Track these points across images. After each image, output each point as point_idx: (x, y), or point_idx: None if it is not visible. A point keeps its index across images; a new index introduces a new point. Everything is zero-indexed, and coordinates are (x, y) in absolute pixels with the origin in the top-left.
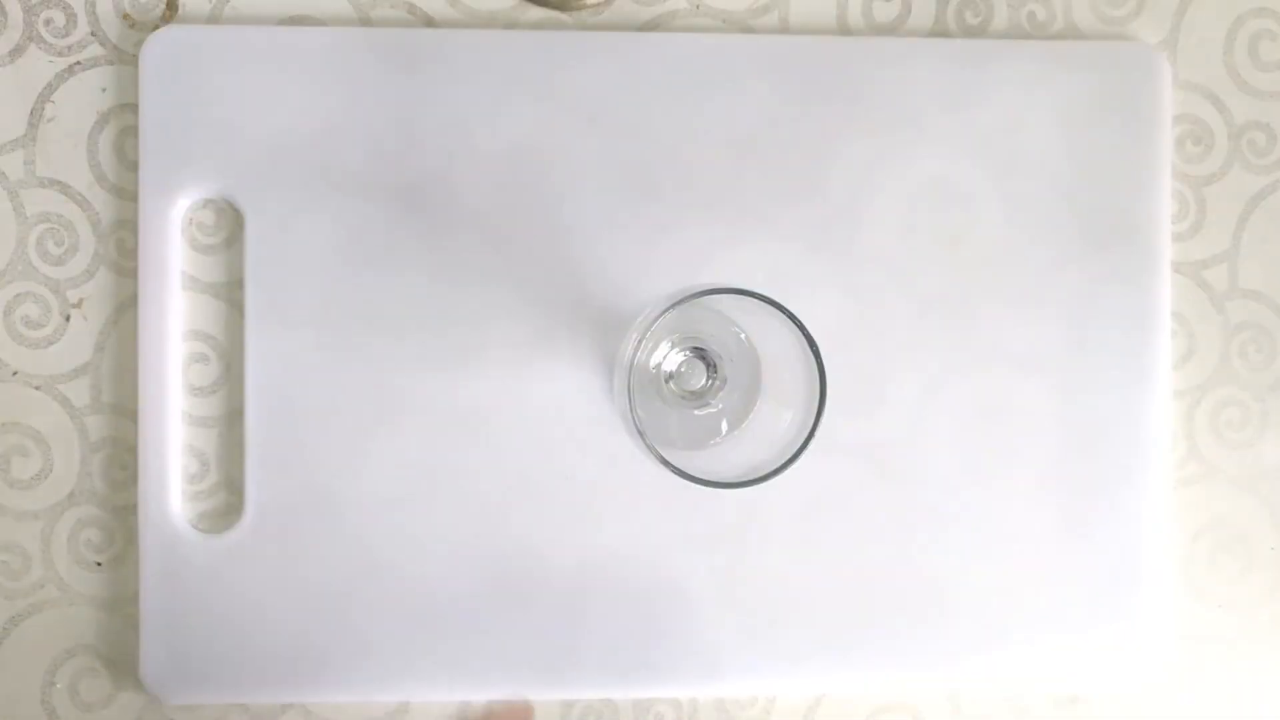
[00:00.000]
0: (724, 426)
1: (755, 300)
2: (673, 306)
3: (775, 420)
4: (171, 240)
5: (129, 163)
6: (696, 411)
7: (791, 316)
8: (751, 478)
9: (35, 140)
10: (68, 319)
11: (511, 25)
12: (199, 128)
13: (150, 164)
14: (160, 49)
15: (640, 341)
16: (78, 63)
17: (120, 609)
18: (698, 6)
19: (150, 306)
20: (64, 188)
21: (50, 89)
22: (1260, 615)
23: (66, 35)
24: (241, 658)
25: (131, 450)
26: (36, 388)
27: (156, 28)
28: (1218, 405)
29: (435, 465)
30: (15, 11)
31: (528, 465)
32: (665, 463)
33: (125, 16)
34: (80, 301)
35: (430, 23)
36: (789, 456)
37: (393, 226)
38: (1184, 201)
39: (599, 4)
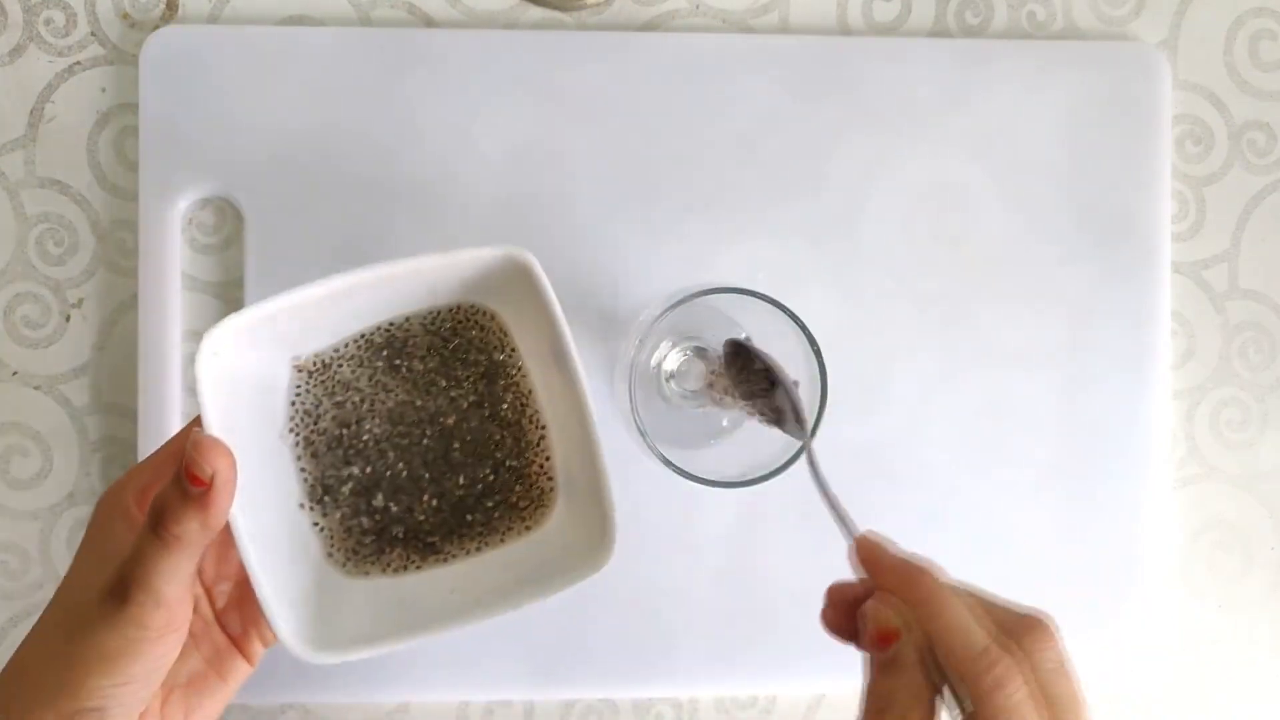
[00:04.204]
0: (724, 426)
1: (756, 299)
2: (673, 306)
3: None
4: (171, 240)
5: (129, 163)
6: (697, 410)
7: (793, 316)
8: (751, 478)
9: (35, 140)
10: (68, 319)
11: (511, 25)
12: (199, 128)
13: (150, 164)
14: (160, 49)
15: (641, 341)
16: (78, 63)
17: None
18: (698, 6)
19: (150, 306)
20: (64, 188)
21: (50, 89)
22: (1260, 615)
23: (66, 35)
24: None
25: (131, 450)
26: (36, 388)
27: (156, 28)
28: (1218, 405)
29: None
30: (15, 11)
31: None
32: (667, 462)
33: (125, 16)
34: (80, 301)
35: (430, 23)
36: (789, 456)
37: (392, 226)
38: (1184, 201)
39: (599, 4)
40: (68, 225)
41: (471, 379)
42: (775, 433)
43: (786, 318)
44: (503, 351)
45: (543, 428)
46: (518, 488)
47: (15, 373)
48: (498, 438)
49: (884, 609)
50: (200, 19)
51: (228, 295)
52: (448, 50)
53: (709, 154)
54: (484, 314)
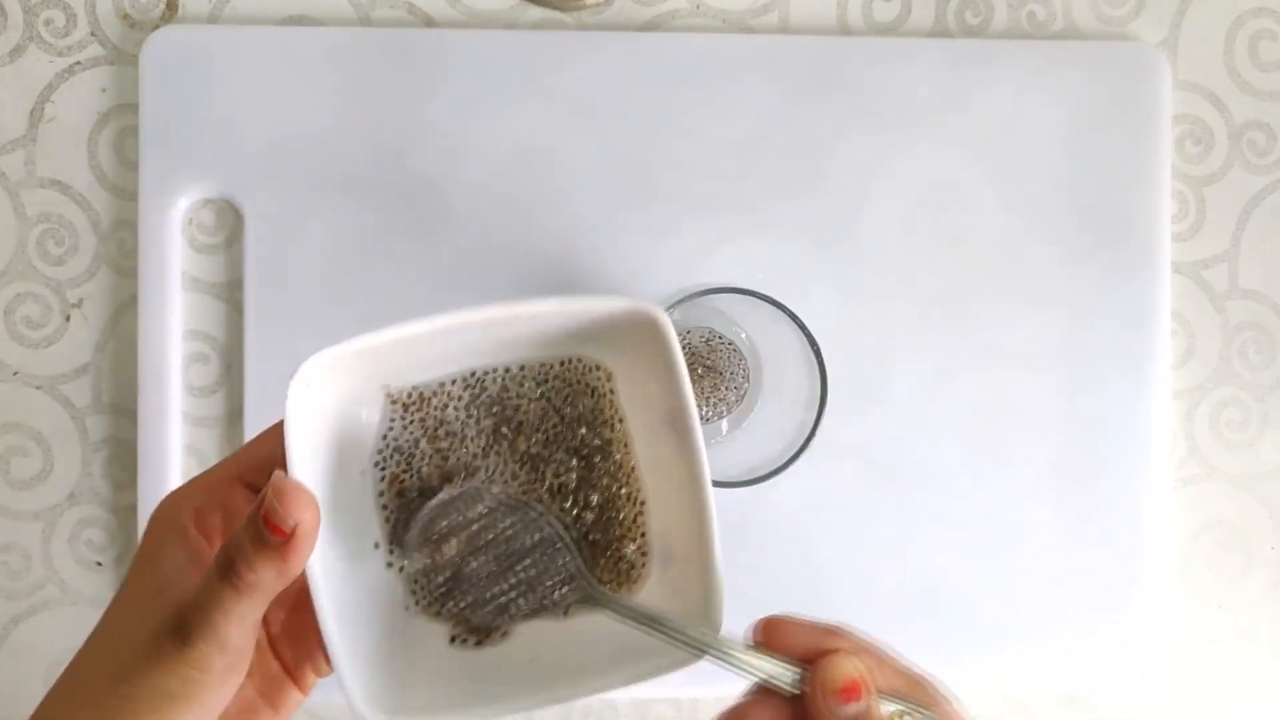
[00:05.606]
0: (724, 426)
1: (757, 299)
2: (673, 306)
3: (776, 420)
4: (171, 240)
5: (129, 163)
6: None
7: (792, 316)
8: (751, 478)
9: (35, 140)
10: (68, 319)
11: (511, 25)
12: (199, 128)
13: (150, 164)
14: (160, 49)
15: None
16: (78, 63)
17: None
18: (698, 6)
19: (150, 306)
20: (64, 188)
21: (50, 89)
22: (1260, 615)
23: (66, 35)
24: None
25: (131, 450)
26: (37, 388)
27: (156, 28)
28: (1218, 405)
29: None
30: (15, 11)
31: None
32: None
33: (125, 16)
34: (80, 301)
35: (430, 23)
36: (789, 456)
37: (392, 226)
38: (1184, 201)
39: (599, 4)
40: (68, 225)
41: (573, 467)
42: (775, 433)
43: (786, 318)
44: (611, 428)
45: (641, 503)
46: (602, 561)
47: (16, 373)
48: (589, 519)
49: (845, 661)
50: (200, 19)
51: (228, 295)
52: (448, 50)
53: (709, 154)
54: (599, 373)
